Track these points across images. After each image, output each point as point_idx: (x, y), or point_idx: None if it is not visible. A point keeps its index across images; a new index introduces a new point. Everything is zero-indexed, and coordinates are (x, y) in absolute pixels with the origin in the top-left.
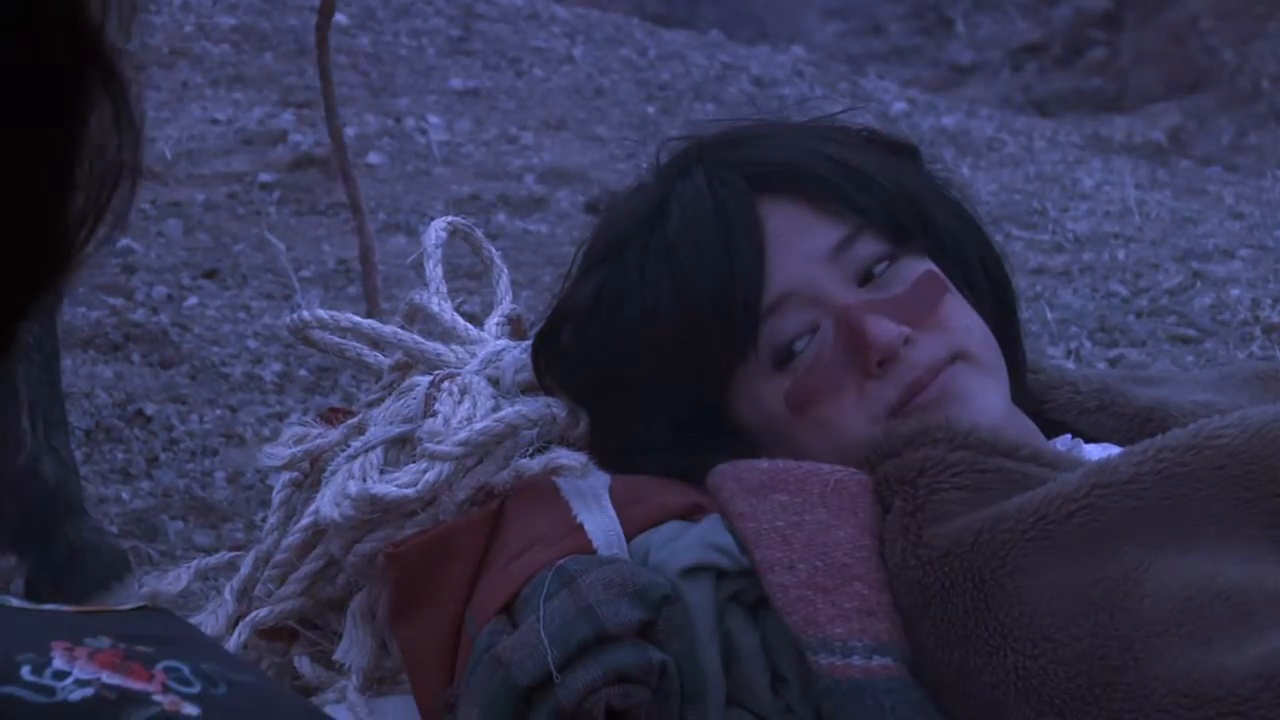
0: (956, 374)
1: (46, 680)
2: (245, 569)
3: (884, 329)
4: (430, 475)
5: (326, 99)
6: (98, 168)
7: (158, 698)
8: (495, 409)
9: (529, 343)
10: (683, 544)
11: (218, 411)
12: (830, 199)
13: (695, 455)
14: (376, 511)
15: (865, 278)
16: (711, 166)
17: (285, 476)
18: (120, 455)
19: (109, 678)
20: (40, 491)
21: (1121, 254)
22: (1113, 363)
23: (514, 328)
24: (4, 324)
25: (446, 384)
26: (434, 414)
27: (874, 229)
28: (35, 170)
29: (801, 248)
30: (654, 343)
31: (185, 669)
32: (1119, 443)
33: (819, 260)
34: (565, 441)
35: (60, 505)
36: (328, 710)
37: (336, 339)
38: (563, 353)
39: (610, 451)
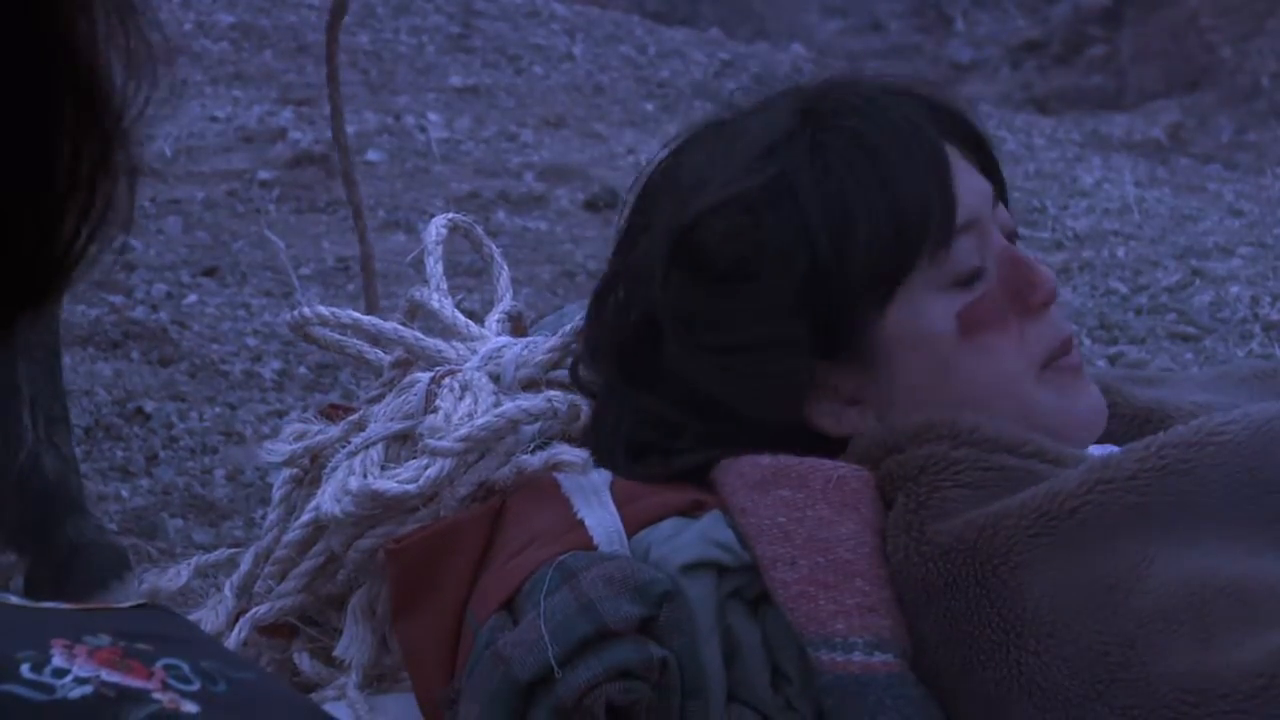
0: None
1: (46, 678)
2: (245, 565)
3: (1049, 271)
4: (431, 471)
5: (333, 102)
6: (87, 165)
7: (157, 695)
8: (496, 405)
9: (530, 338)
10: (683, 540)
11: (217, 409)
12: (981, 155)
13: (805, 361)
14: (378, 508)
15: (1011, 237)
16: (878, 92)
17: (286, 473)
18: (120, 453)
19: (108, 675)
20: (41, 488)
21: (1121, 251)
22: (1113, 360)
23: (514, 324)
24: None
25: (447, 380)
26: (435, 410)
27: (1003, 198)
28: (23, 164)
29: (974, 186)
30: (838, 233)
31: (185, 666)
32: (1118, 444)
33: (987, 204)
34: (567, 437)
35: (61, 502)
36: (327, 707)
37: (337, 336)
38: (697, 242)
39: (713, 349)
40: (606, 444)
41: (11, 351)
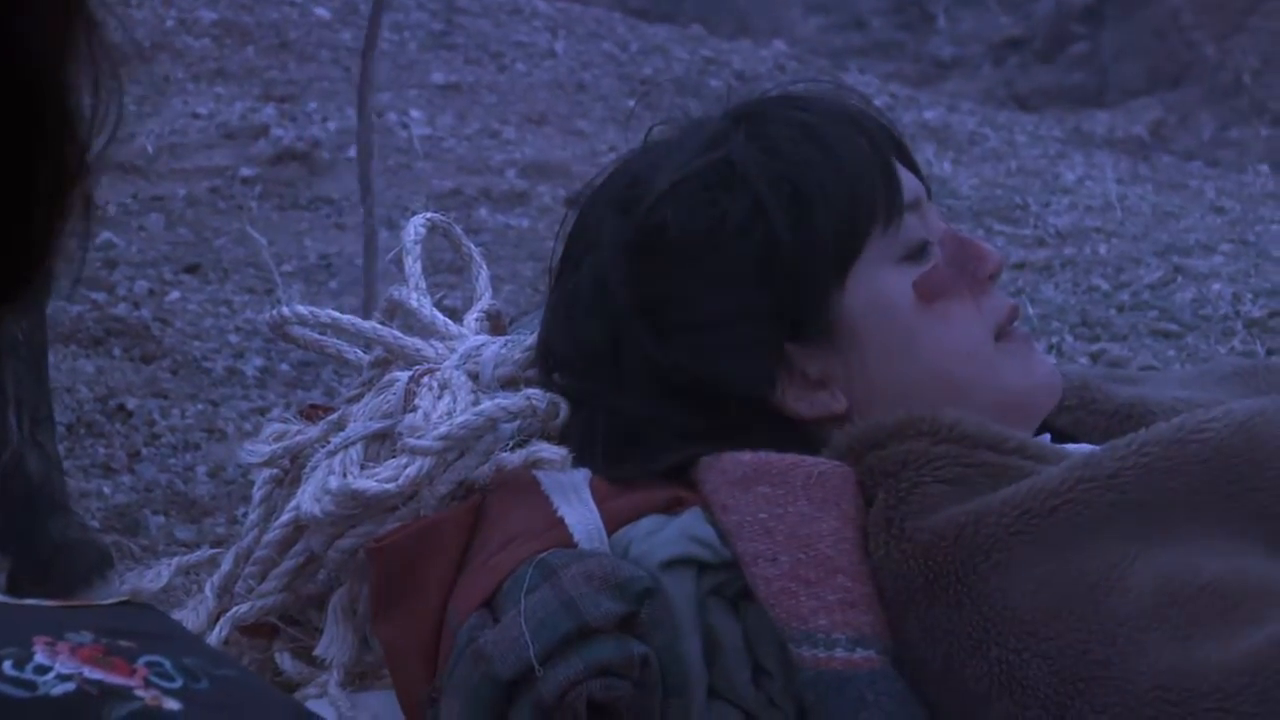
0: None
1: (28, 675)
2: (226, 565)
3: (993, 247)
4: (411, 470)
5: (363, 88)
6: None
7: (140, 693)
8: (475, 403)
9: (509, 337)
10: (664, 537)
11: (199, 406)
12: (906, 159)
13: (772, 334)
14: (357, 507)
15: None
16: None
17: (265, 473)
18: (101, 450)
19: (91, 672)
20: (25, 488)
21: (1103, 249)
22: (1094, 357)
23: (493, 323)
24: None
25: (426, 379)
26: (414, 409)
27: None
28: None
29: (909, 177)
30: (792, 208)
31: (167, 664)
32: (1098, 441)
33: (923, 192)
34: (546, 435)
35: (45, 501)
36: (310, 705)
37: (316, 335)
38: (656, 223)
39: (684, 327)
40: (582, 447)
41: None
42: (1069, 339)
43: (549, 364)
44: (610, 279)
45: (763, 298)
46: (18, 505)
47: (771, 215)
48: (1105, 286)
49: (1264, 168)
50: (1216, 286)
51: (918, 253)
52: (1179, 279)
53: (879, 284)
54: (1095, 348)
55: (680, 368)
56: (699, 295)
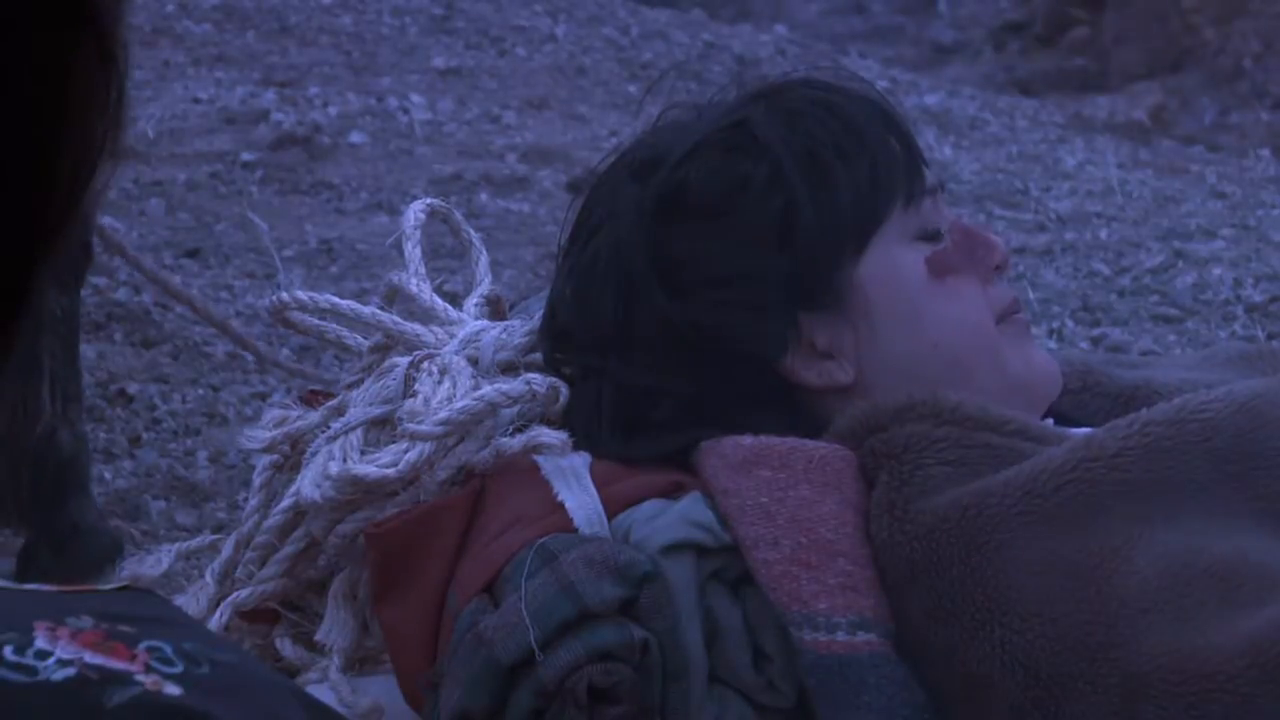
0: None
1: (29, 660)
2: (226, 551)
3: (1000, 239)
4: (411, 455)
5: None
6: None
7: (140, 677)
8: (475, 388)
9: (508, 322)
10: (664, 521)
11: (200, 391)
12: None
13: (788, 298)
14: (358, 492)
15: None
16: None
17: (266, 459)
18: (102, 435)
19: (91, 657)
20: (56, 462)
21: (1104, 233)
22: (1095, 342)
23: (493, 308)
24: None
25: (426, 364)
26: (414, 394)
27: None
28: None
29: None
30: (814, 179)
31: (167, 648)
32: (1102, 424)
33: (938, 183)
34: (546, 420)
35: (71, 479)
36: (310, 690)
37: (315, 320)
38: (680, 183)
39: (703, 284)
40: (587, 426)
41: (36, 323)
42: (1070, 324)
43: (555, 341)
44: (627, 243)
45: (780, 263)
46: (49, 479)
47: (792, 182)
48: (1106, 271)
49: (1265, 152)
50: (1217, 271)
51: (932, 236)
52: (1180, 264)
53: (894, 258)
54: (1096, 332)
55: (694, 324)
56: (717, 254)
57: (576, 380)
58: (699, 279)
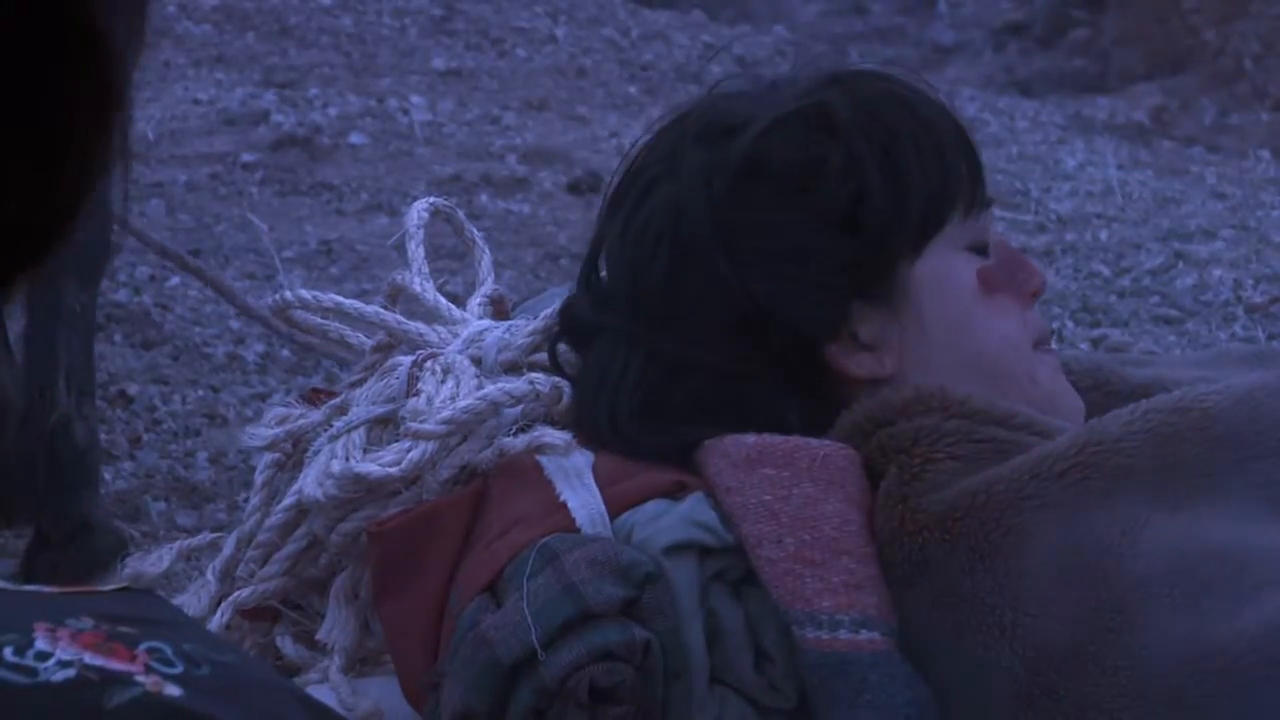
0: None
1: (29, 661)
2: (228, 550)
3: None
4: (414, 454)
5: None
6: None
7: (140, 679)
8: (478, 388)
9: (512, 322)
10: (666, 522)
11: (200, 392)
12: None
13: (845, 281)
14: (360, 490)
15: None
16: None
17: (267, 457)
18: (103, 436)
19: (91, 659)
20: (71, 451)
21: (1104, 234)
22: (1095, 343)
23: (496, 308)
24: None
25: (429, 363)
26: (417, 393)
27: None
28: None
29: None
30: (888, 170)
31: (168, 650)
32: None
33: (989, 198)
34: (549, 420)
35: (83, 473)
36: (310, 690)
37: (318, 320)
38: (761, 149)
39: (764, 253)
40: (603, 400)
41: (54, 316)
42: (1070, 324)
43: (588, 305)
44: (691, 205)
45: (845, 247)
46: (63, 471)
47: (867, 171)
48: (1106, 272)
49: (1265, 153)
50: (1217, 272)
51: (982, 249)
52: (1180, 265)
53: (950, 263)
54: (1096, 333)
55: (749, 293)
56: (787, 227)
57: (604, 348)
58: (763, 248)
